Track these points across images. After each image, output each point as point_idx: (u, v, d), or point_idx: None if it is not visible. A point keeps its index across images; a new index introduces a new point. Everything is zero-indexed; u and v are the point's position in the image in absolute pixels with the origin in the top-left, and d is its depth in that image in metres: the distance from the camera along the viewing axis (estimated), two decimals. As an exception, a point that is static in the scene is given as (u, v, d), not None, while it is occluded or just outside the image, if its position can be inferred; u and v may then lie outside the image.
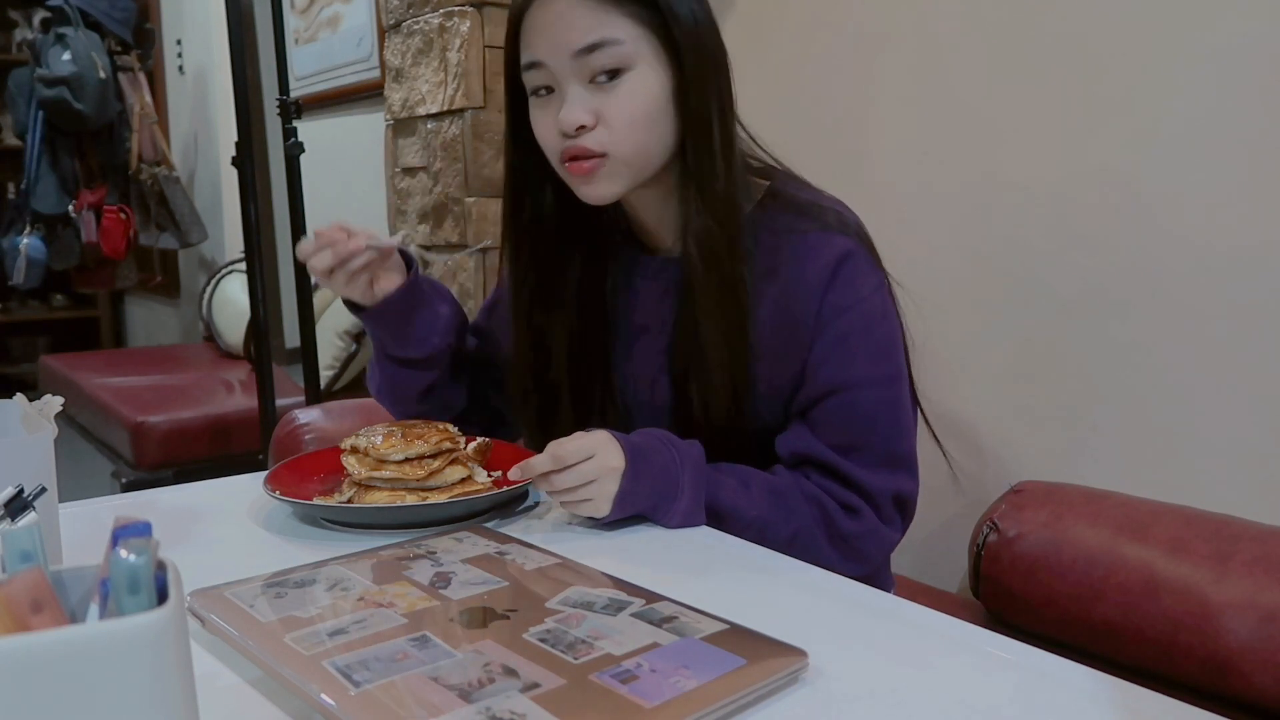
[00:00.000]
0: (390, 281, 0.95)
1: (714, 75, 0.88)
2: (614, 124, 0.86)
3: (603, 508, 0.79)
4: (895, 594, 0.87)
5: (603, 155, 0.86)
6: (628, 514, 0.81)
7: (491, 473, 0.91)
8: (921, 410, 0.97)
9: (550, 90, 0.88)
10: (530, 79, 0.89)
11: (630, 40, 0.84)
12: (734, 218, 0.89)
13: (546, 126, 0.88)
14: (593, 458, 0.79)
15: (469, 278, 1.95)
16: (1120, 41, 1.23)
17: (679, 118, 0.88)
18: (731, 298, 0.89)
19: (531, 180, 0.96)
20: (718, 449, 0.89)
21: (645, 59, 0.85)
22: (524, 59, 0.88)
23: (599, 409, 1.00)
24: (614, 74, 0.85)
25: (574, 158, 0.87)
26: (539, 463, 0.80)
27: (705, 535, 0.81)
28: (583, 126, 0.85)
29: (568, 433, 0.83)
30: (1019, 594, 1.15)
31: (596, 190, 0.89)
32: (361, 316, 0.97)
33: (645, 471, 0.80)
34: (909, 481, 0.91)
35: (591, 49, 0.84)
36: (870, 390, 0.89)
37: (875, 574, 0.94)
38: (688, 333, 0.92)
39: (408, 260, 0.98)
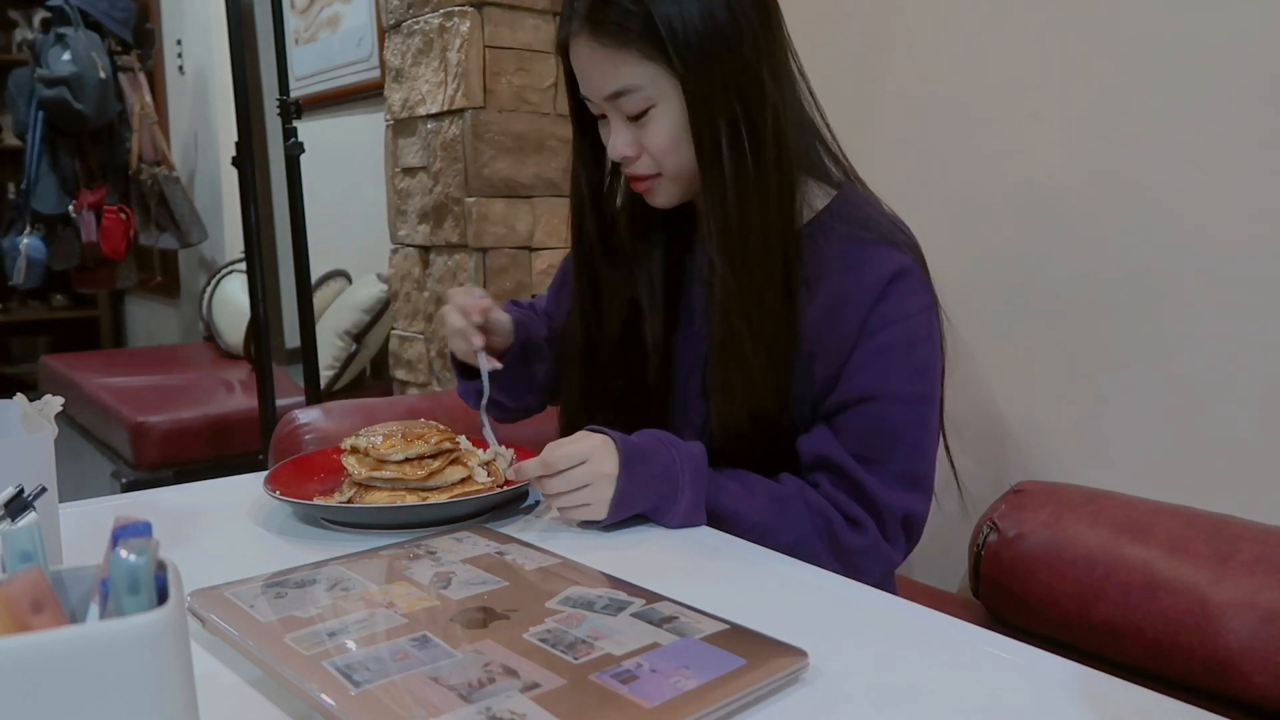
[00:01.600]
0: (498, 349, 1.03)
1: (725, 93, 0.87)
2: (654, 154, 0.91)
3: (600, 512, 0.80)
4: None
5: (656, 176, 0.92)
6: (627, 515, 0.81)
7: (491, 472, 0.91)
8: (946, 443, 0.96)
9: (604, 116, 0.93)
10: (590, 107, 0.94)
11: (647, 80, 0.87)
12: (766, 228, 0.88)
13: (609, 149, 0.94)
14: (585, 463, 0.79)
15: (469, 277, 1.95)
16: (1123, 40, 1.23)
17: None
18: (754, 307, 0.89)
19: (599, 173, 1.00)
20: (741, 450, 0.89)
21: (665, 91, 0.88)
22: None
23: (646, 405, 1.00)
24: (644, 112, 0.88)
25: (635, 180, 0.94)
26: (530, 467, 0.81)
27: (705, 535, 0.81)
28: (628, 157, 0.91)
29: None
30: (1019, 594, 1.15)
31: (658, 200, 0.95)
32: (470, 378, 1.05)
33: (643, 473, 0.80)
34: (921, 503, 0.90)
35: (616, 95, 0.88)
36: (900, 406, 0.88)
37: (877, 585, 0.93)
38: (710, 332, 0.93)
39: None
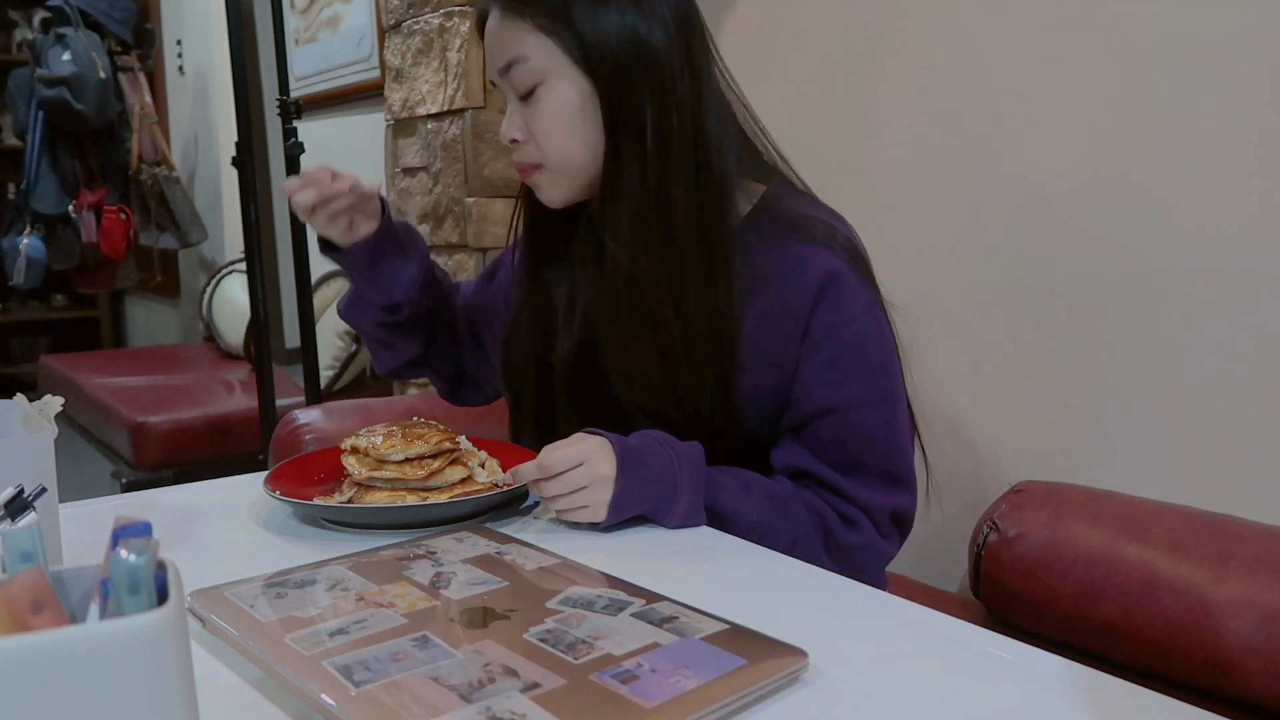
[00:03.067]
0: (367, 228, 0.98)
1: (642, 77, 0.86)
2: (537, 137, 0.90)
3: (599, 514, 0.79)
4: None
5: (539, 166, 0.91)
6: (626, 517, 0.81)
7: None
8: (918, 431, 0.95)
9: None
10: (499, 94, 0.93)
11: (538, 54, 0.87)
12: (669, 218, 0.87)
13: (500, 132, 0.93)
14: (582, 465, 0.79)
15: (469, 278, 1.95)
16: (1123, 40, 1.23)
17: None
18: (647, 301, 0.88)
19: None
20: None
21: (557, 70, 0.87)
22: None
23: (600, 410, 0.99)
24: (533, 90, 0.88)
25: (520, 168, 0.93)
26: (527, 471, 0.81)
27: (705, 535, 0.81)
28: (515, 140, 0.91)
29: (568, 433, 0.83)
30: (1019, 594, 1.15)
31: (544, 196, 0.93)
32: (334, 258, 1.01)
33: (641, 475, 0.80)
34: (906, 497, 0.90)
35: (507, 68, 0.88)
36: (866, 411, 0.88)
37: (872, 582, 0.93)
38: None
39: (385, 208, 1.01)
